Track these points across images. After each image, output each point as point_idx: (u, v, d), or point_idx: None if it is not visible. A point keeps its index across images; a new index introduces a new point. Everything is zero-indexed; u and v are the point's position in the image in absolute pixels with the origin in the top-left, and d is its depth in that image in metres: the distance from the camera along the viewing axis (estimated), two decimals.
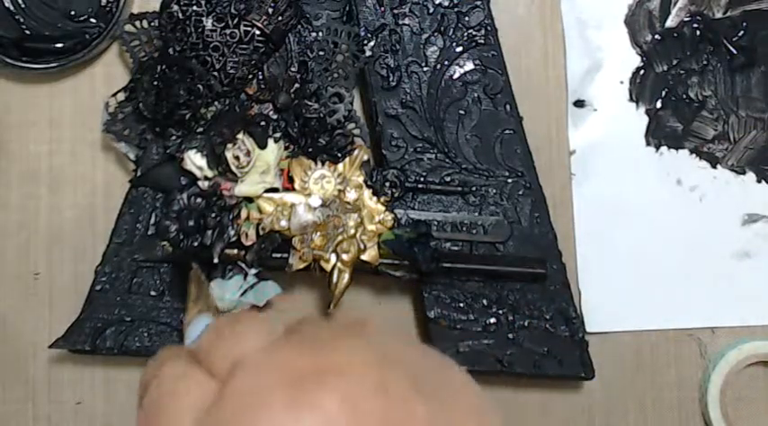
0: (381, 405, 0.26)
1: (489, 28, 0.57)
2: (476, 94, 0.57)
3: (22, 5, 0.57)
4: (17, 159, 0.58)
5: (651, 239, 0.59)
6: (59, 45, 0.57)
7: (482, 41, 0.57)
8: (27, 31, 0.57)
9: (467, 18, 0.57)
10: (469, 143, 0.56)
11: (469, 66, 0.57)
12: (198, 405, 0.28)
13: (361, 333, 0.30)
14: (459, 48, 0.57)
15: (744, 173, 0.60)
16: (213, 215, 0.54)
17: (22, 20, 0.57)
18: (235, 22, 0.54)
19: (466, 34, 0.57)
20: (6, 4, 0.57)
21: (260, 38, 0.54)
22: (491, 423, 0.29)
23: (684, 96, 0.60)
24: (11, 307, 0.58)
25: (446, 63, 0.56)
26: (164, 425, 0.29)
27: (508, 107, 0.57)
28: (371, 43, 0.56)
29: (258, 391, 0.26)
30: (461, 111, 0.56)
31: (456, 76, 0.56)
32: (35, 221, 0.58)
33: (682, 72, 0.60)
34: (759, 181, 0.60)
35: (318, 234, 0.53)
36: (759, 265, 0.59)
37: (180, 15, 0.54)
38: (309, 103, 0.55)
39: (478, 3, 0.57)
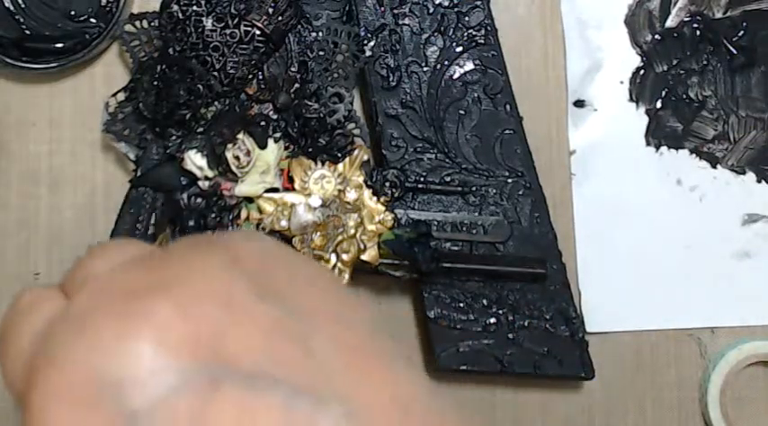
0: (218, 310, 0.25)
1: (489, 28, 0.57)
2: (476, 94, 0.57)
3: (22, 5, 0.57)
4: (17, 159, 0.58)
5: (651, 239, 0.59)
6: (59, 45, 0.57)
7: (482, 41, 0.57)
8: (27, 31, 0.57)
9: (467, 18, 0.57)
10: (469, 143, 0.56)
11: (469, 66, 0.57)
12: (41, 325, 0.28)
13: (217, 246, 0.29)
14: (459, 48, 0.57)
15: (744, 173, 0.60)
16: (213, 215, 0.54)
17: (22, 20, 0.57)
18: (235, 22, 0.54)
19: (466, 34, 0.57)
20: (6, 4, 0.57)
21: (260, 38, 0.54)
22: (355, 334, 0.28)
23: (684, 96, 0.60)
24: None
25: (446, 63, 0.56)
26: (4, 343, 0.28)
27: (508, 107, 0.57)
28: (371, 43, 0.56)
29: (94, 307, 0.26)
30: (461, 111, 0.56)
31: (456, 76, 0.56)
32: (35, 221, 0.58)
33: (682, 72, 0.60)
34: (759, 181, 0.60)
35: (318, 234, 0.53)
36: (759, 265, 0.59)
37: (180, 15, 0.54)
38: (309, 103, 0.55)
39: (478, 3, 0.57)
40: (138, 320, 0.25)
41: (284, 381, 0.24)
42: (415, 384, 0.27)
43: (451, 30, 0.57)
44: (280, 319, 0.26)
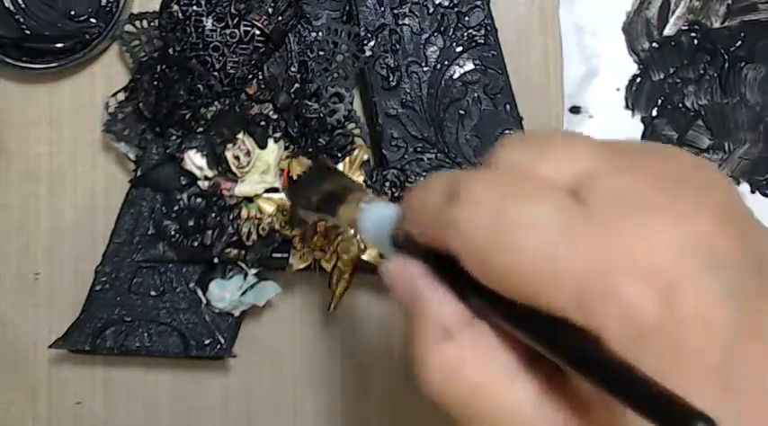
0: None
1: (489, 28, 0.57)
2: (476, 94, 0.57)
3: (22, 5, 0.57)
4: (17, 159, 0.58)
5: None
6: (59, 45, 0.57)
7: (482, 41, 0.57)
8: (27, 31, 0.57)
9: (467, 18, 0.57)
10: (469, 143, 0.56)
11: (469, 66, 0.57)
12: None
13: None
14: (459, 48, 0.57)
15: (738, 183, 0.59)
16: (213, 215, 0.54)
17: (22, 20, 0.57)
18: (235, 22, 0.54)
19: (466, 34, 0.57)
20: (6, 4, 0.57)
21: (260, 38, 0.54)
22: None
23: (680, 105, 0.60)
24: (11, 307, 0.58)
25: (446, 63, 0.56)
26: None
27: (508, 107, 0.57)
28: (371, 43, 0.56)
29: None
30: (461, 111, 0.56)
31: (456, 76, 0.56)
32: (35, 221, 0.58)
33: (678, 81, 0.60)
34: (753, 192, 0.60)
35: (318, 233, 0.53)
36: None
37: (180, 15, 0.54)
38: (309, 103, 0.55)
39: (478, 3, 0.57)
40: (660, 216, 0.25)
41: None
42: None
43: (451, 30, 0.57)
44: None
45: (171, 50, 0.54)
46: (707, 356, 0.24)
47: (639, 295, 0.24)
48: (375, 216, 0.36)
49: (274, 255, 0.54)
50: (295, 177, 0.52)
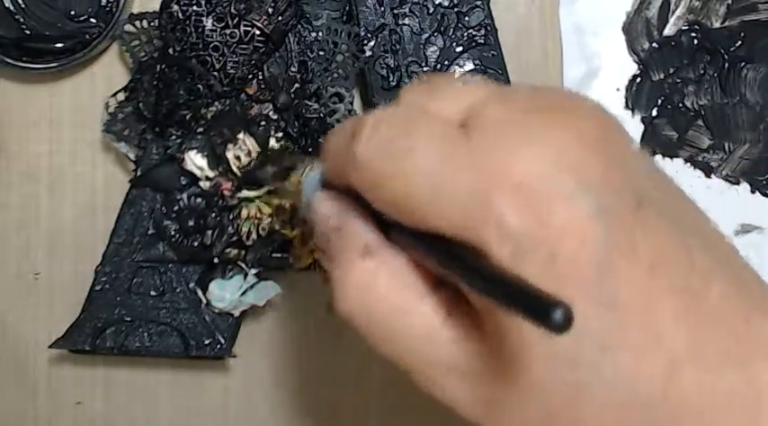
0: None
1: (489, 28, 0.57)
2: None
3: (22, 5, 0.57)
4: (17, 159, 0.58)
5: None
6: (59, 45, 0.57)
7: (482, 41, 0.57)
8: (27, 31, 0.57)
9: (467, 18, 0.57)
10: None
11: (469, 66, 0.57)
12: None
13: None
14: (459, 48, 0.57)
15: (738, 183, 0.59)
16: (213, 215, 0.54)
17: (22, 20, 0.57)
18: (235, 22, 0.54)
19: (466, 34, 0.57)
20: (6, 4, 0.57)
21: (260, 38, 0.54)
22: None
23: (680, 105, 0.60)
24: (11, 307, 0.58)
25: (446, 63, 0.56)
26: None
27: None
28: (371, 43, 0.56)
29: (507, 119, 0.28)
30: None
31: (456, 76, 0.56)
32: (35, 221, 0.58)
33: (678, 81, 0.60)
34: (753, 192, 0.59)
35: None
36: None
37: (180, 15, 0.54)
38: (309, 103, 0.55)
39: (478, 3, 0.57)
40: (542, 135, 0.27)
41: None
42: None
43: (451, 30, 0.57)
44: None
45: (171, 50, 0.54)
46: (582, 268, 0.25)
47: (514, 212, 0.25)
48: (315, 176, 0.38)
49: (274, 255, 0.54)
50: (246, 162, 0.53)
